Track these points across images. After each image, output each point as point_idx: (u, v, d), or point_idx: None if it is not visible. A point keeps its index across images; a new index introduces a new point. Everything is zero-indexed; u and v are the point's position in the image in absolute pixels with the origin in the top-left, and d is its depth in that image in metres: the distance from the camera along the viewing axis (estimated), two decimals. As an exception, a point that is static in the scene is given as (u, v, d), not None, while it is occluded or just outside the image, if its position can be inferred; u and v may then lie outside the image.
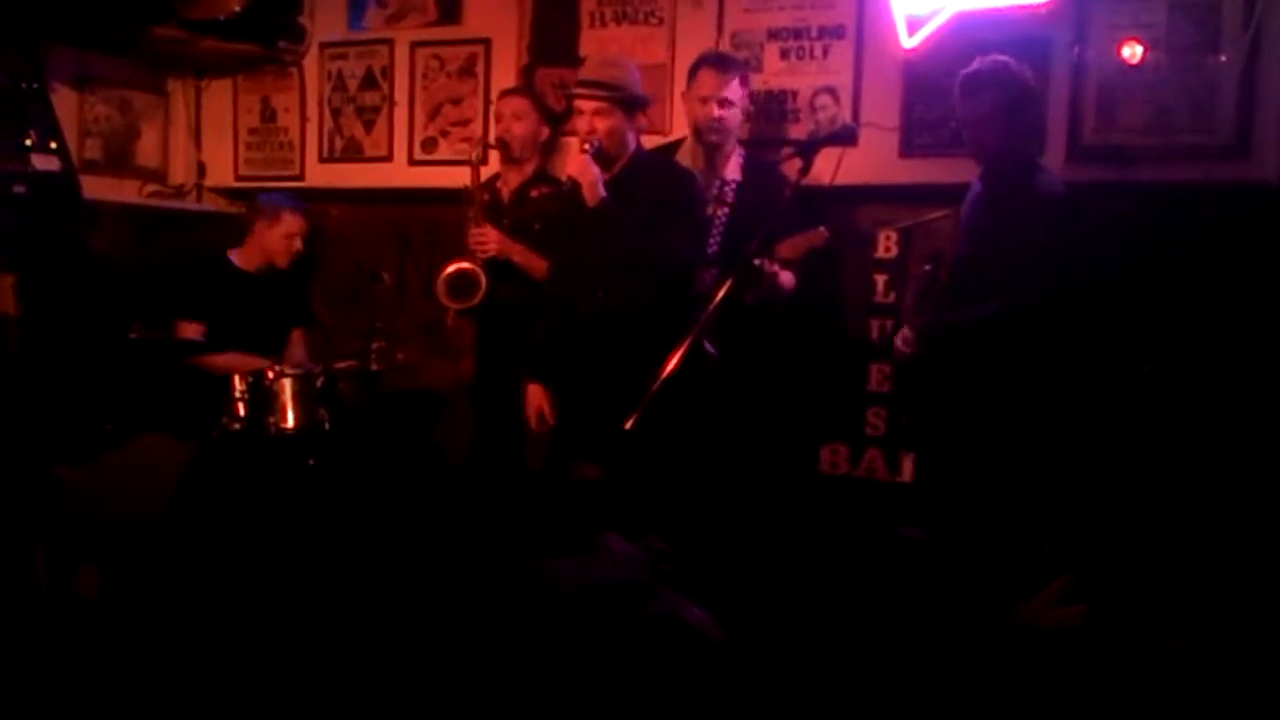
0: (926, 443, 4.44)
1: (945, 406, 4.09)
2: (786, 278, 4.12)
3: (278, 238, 5.30)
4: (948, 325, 4.02)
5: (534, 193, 4.89)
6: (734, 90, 4.38)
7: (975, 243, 4.04)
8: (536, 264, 4.66)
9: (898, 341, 4.29)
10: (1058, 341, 3.98)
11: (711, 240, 4.36)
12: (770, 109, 4.99)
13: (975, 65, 3.99)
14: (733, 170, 4.46)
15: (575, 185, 4.12)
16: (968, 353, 3.96)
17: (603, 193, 4.08)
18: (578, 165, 4.14)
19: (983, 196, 4.12)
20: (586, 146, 4.14)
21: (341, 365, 4.84)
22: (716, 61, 4.47)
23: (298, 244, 5.34)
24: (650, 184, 4.17)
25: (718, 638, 3.01)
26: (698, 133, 4.46)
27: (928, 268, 4.26)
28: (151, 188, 6.13)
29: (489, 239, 4.78)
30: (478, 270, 4.80)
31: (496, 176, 5.06)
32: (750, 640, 3.37)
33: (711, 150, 4.44)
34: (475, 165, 5.00)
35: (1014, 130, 3.97)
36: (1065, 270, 3.87)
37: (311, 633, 3.56)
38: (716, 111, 4.36)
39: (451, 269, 4.85)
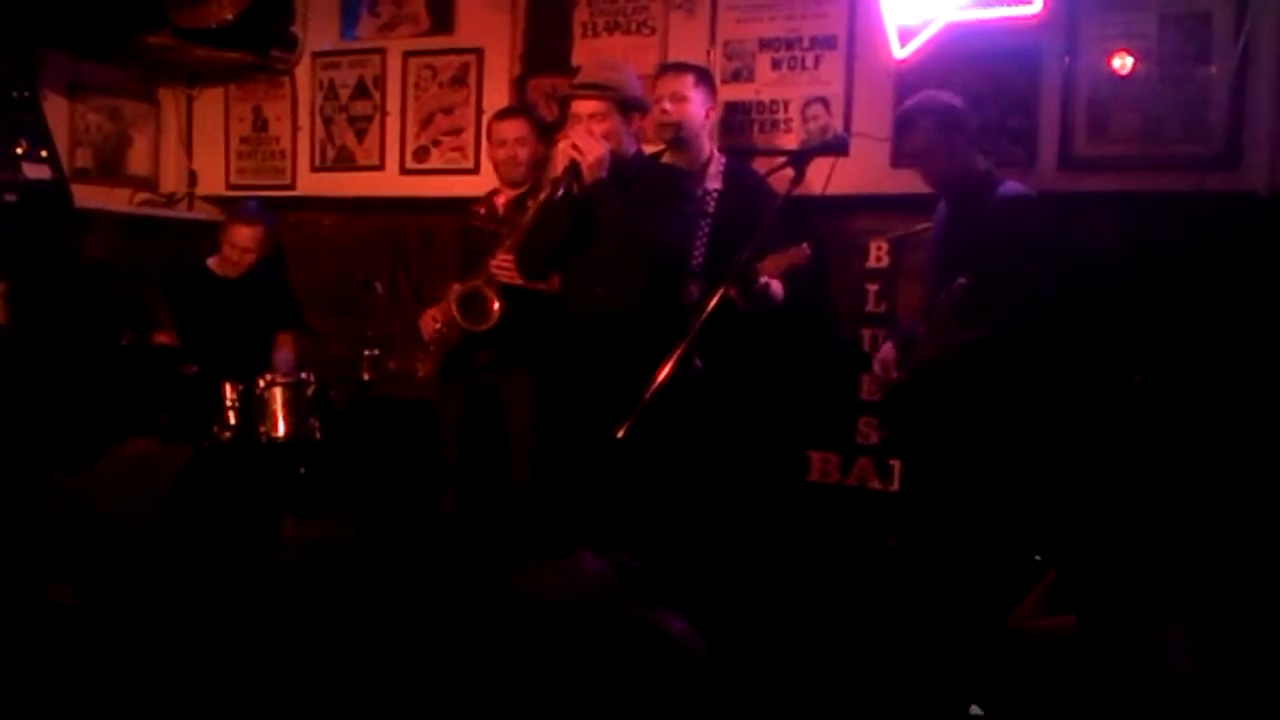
0: (912, 453, 4.44)
1: (936, 420, 4.08)
2: (776, 287, 4.13)
3: (228, 249, 5.27)
4: (944, 356, 4.01)
5: (530, 203, 4.85)
6: (685, 86, 4.43)
7: (952, 263, 4.05)
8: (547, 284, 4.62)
9: (876, 367, 4.29)
10: (1051, 353, 4.00)
11: (695, 252, 4.36)
12: (761, 119, 5.00)
13: (905, 104, 4.15)
14: (714, 178, 4.47)
15: (574, 167, 4.05)
16: (963, 375, 3.95)
17: (602, 174, 4.02)
18: (584, 139, 4.04)
19: (950, 216, 4.17)
20: (595, 128, 4.10)
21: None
22: (670, 65, 4.65)
23: (248, 258, 5.25)
24: (640, 181, 4.16)
25: (701, 650, 3.00)
26: (662, 136, 4.50)
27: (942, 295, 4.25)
28: (142, 196, 6.12)
29: (512, 266, 4.63)
30: (493, 293, 4.62)
31: (495, 191, 5.04)
32: (739, 651, 3.37)
33: (681, 150, 4.47)
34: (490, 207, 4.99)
35: (954, 152, 4.05)
36: (1049, 278, 3.90)
37: (298, 641, 3.54)
38: (666, 105, 4.41)
39: (467, 287, 4.67)
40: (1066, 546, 3.21)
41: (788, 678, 3.62)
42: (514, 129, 4.91)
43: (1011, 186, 4.07)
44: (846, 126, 4.80)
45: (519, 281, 4.59)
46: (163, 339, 5.08)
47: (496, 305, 4.60)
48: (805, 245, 4.11)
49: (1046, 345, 3.95)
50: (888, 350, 4.27)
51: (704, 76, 4.57)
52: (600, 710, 2.66)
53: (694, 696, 2.81)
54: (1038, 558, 3.64)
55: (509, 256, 4.56)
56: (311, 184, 6.07)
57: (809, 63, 4.93)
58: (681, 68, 4.57)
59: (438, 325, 4.81)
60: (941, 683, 3.41)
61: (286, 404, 4.68)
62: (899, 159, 4.50)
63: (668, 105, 4.42)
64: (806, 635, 3.96)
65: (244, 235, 5.24)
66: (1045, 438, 3.96)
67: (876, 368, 4.29)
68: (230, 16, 5.35)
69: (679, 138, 4.46)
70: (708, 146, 4.53)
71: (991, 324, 3.85)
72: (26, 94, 5.25)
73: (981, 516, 3.88)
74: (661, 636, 2.94)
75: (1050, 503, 3.82)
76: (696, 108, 4.46)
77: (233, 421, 4.64)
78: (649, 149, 4.61)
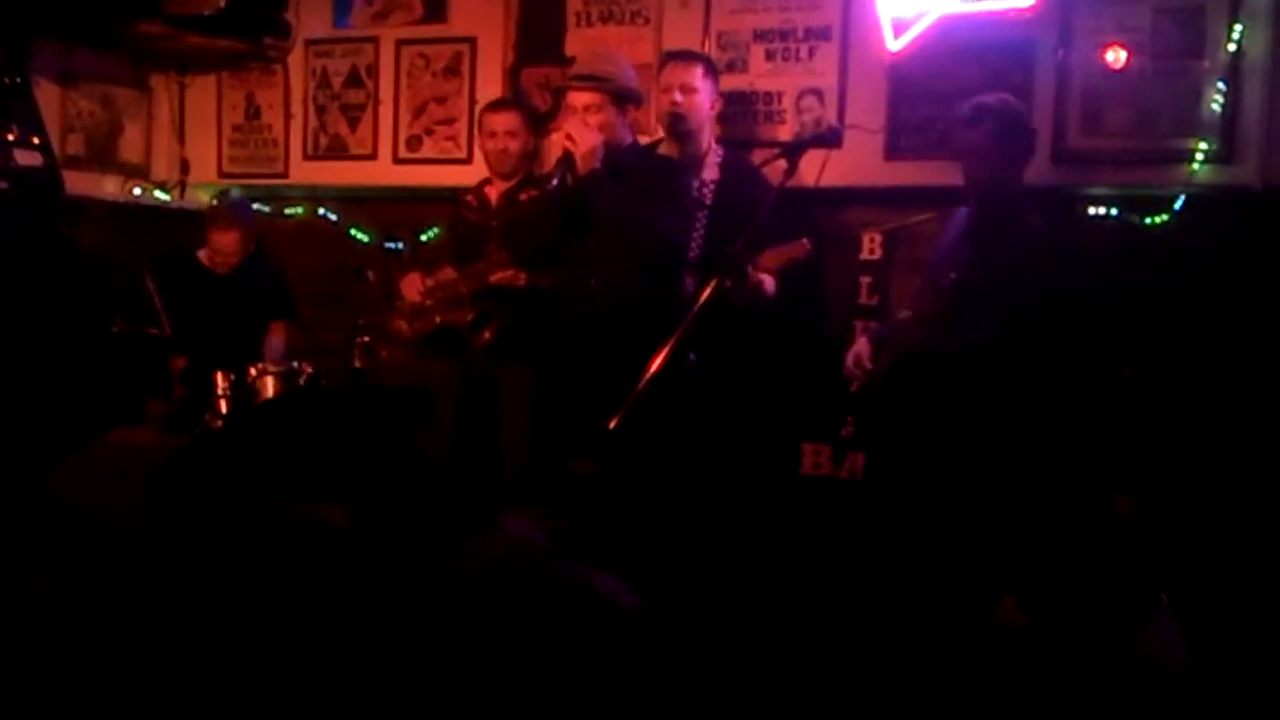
0: (878, 445, 4.43)
1: (916, 410, 4.07)
2: (769, 283, 4.12)
3: (211, 250, 5.36)
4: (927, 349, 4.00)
5: (522, 196, 4.85)
6: (695, 77, 4.42)
7: (957, 268, 4.03)
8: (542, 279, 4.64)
9: (849, 360, 4.24)
10: (1041, 347, 4.00)
11: (692, 244, 4.35)
12: (755, 110, 5.00)
13: (981, 97, 4.03)
14: (711, 169, 4.46)
15: (569, 157, 4.09)
16: (945, 379, 3.94)
17: (596, 164, 4.07)
18: (579, 129, 4.10)
19: (970, 225, 4.11)
20: (590, 119, 4.16)
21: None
22: (678, 54, 4.60)
23: (231, 259, 5.35)
24: (635, 171, 4.19)
25: (628, 603, 3.01)
26: (666, 126, 4.50)
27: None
28: (134, 183, 6.11)
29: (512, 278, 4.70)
30: (492, 325, 4.73)
31: (486, 181, 5.03)
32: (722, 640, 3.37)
33: (684, 141, 4.46)
34: (481, 198, 4.99)
35: (1006, 163, 3.98)
36: (1044, 310, 3.89)
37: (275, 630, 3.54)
38: (676, 96, 4.40)
39: (479, 307, 4.74)
40: (1051, 544, 3.22)
41: (767, 664, 3.63)
42: (505, 121, 4.90)
43: (1034, 220, 3.95)
44: (840, 118, 4.79)
45: (520, 283, 4.60)
46: (154, 329, 5.08)
47: (488, 334, 4.71)
48: (806, 240, 4.09)
49: (1036, 340, 3.95)
50: (862, 345, 4.24)
51: (712, 68, 4.57)
52: (528, 663, 2.68)
53: (624, 649, 2.83)
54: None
55: (509, 271, 4.61)
56: (304, 173, 6.05)
57: (803, 54, 4.92)
58: (691, 57, 4.54)
59: (421, 295, 4.87)
60: (920, 672, 3.41)
61: (278, 393, 4.67)
62: (948, 149, 4.32)
63: (678, 96, 4.40)
64: (789, 626, 3.97)
65: (222, 240, 5.33)
66: (1035, 430, 3.96)
67: (850, 360, 4.24)
68: (222, 4, 5.34)
69: (685, 129, 4.45)
70: (708, 138, 4.54)
71: (978, 331, 3.83)
72: (18, 80, 5.23)
73: (962, 508, 3.88)
74: (586, 592, 2.96)
75: (1036, 499, 3.83)
76: (704, 99, 4.46)
77: (224, 410, 4.63)
78: (644, 139, 4.61)
